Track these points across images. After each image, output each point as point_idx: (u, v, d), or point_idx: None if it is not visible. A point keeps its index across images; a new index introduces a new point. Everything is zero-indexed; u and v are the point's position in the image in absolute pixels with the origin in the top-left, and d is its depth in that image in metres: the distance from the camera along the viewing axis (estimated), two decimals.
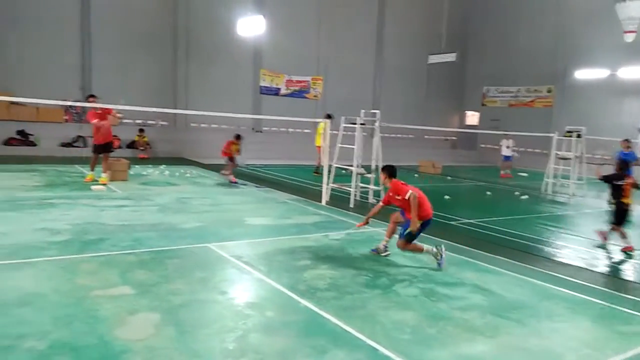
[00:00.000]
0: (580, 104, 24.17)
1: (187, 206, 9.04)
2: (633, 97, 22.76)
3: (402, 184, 6.34)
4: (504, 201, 13.19)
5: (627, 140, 13.18)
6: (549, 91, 26.08)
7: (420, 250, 6.21)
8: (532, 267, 6.38)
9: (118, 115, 11.03)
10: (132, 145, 18.02)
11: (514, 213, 11.09)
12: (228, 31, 19.90)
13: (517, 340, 4.12)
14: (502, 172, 19.74)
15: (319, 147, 12.82)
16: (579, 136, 14.83)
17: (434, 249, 6.11)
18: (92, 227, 6.95)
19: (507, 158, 19.95)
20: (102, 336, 3.67)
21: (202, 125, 20.56)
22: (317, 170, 13.80)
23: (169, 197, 9.84)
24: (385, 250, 6.48)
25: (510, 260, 6.59)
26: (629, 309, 5.03)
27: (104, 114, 10.63)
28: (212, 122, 20.58)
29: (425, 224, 6.20)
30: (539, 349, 3.99)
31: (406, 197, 6.05)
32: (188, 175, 13.60)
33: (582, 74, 24.06)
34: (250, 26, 18.47)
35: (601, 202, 13.48)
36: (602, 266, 6.82)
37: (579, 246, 7.98)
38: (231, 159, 12.64)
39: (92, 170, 10.98)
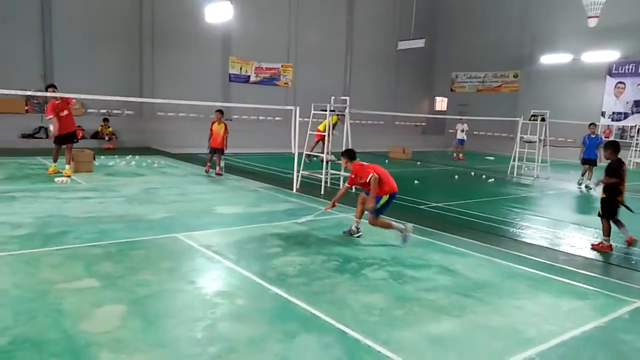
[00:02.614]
0: (545, 89, 24.73)
1: (154, 197, 8.90)
2: (595, 81, 23.40)
3: (362, 166, 6.60)
4: (471, 184, 13.44)
5: (593, 124, 13.48)
6: (515, 76, 26.58)
7: (389, 226, 6.52)
8: (496, 247, 6.55)
9: (76, 106, 10.57)
10: (96, 135, 17.58)
11: (481, 196, 11.33)
12: (195, 18, 19.49)
13: (481, 319, 4.24)
14: (454, 154, 20.24)
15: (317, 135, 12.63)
16: (543, 120, 15.22)
17: (402, 225, 6.45)
18: (55, 219, 6.77)
19: (461, 142, 20.56)
20: (66, 330, 3.60)
21: (170, 114, 20.18)
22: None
23: (135, 187, 9.66)
24: (358, 232, 6.75)
25: (476, 242, 6.75)
26: (586, 285, 5.22)
27: (63, 103, 10.30)
28: (180, 111, 20.22)
29: (391, 198, 6.54)
30: (501, 325, 4.11)
31: (367, 181, 6.36)
32: (155, 165, 13.37)
33: (547, 59, 24.56)
34: (218, 13, 18.12)
35: (564, 183, 13.93)
36: (563, 245, 7.06)
37: (541, 226, 8.22)
38: (219, 149, 11.88)
39: (55, 161, 10.67)
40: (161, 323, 3.82)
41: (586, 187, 13.01)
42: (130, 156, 14.52)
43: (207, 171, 12.09)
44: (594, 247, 6.78)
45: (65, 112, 10.32)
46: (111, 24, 18.74)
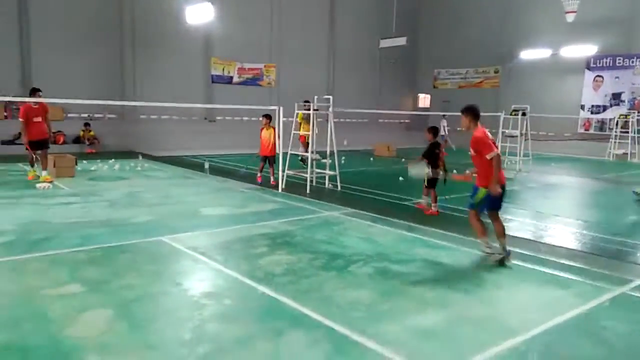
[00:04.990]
0: (525, 84, 25.08)
1: (138, 200, 8.84)
2: (574, 75, 23.81)
3: (486, 135, 5.50)
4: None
5: None
6: (496, 72, 26.92)
7: (480, 234, 5.67)
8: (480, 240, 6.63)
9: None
10: (77, 140, 17.36)
11: (464, 191, 11.41)
12: (176, 19, 19.36)
13: (466, 310, 4.30)
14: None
15: (302, 136, 12.44)
16: (524, 114, 15.43)
17: (489, 249, 5.59)
18: (38, 226, 6.70)
19: (442, 137, 21.09)
20: (52, 336, 3.58)
21: (152, 116, 20.00)
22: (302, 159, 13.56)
23: (119, 191, 9.58)
24: (495, 254, 5.56)
25: (460, 236, 6.83)
26: (568, 274, 5.33)
27: (40, 109, 10.14)
28: (163, 113, 20.06)
29: (492, 196, 5.46)
30: (486, 316, 4.18)
31: (488, 157, 5.37)
32: (139, 168, 13.26)
33: (527, 54, 24.90)
34: (199, 14, 18.03)
35: (546, 176, 14.15)
36: (545, 237, 7.18)
37: (524, 219, 8.36)
38: (270, 158, 11.00)
39: (33, 166, 10.49)
40: (148, 326, 3.82)
41: None
42: (113, 160, 14.38)
43: (259, 181, 11.19)
44: (425, 213, 8.34)
45: (39, 119, 10.12)
46: (91, 26, 18.52)
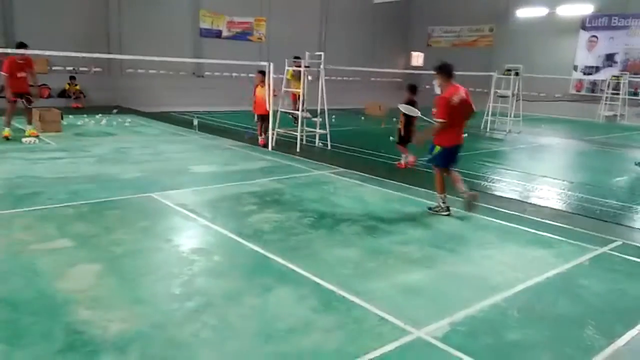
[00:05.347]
0: (519, 43, 24.70)
1: (126, 156, 8.75)
2: (568, 35, 23.49)
3: (448, 97, 5.77)
4: None
5: None
6: (490, 30, 26.47)
7: (439, 190, 6.03)
8: None
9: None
10: (63, 94, 16.97)
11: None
12: None
13: (451, 268, 4.40)
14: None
15: (293, 93, 11.97)
16: (517, 74, 15.31)
17: (443, 205, 5.99)
18: (26, 180, 6.64)
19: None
20: (42, 290, 3.61)
21: (139, 70, 19.48)
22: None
23: (106, 147, 9.47)
24: (446, 210, 5.98)
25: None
26: (552, 234, 5.44)
27: (25, 64, 9.78)
28: (150, 68, 19.52)
29: (446, 151, 5.95)
30: (470, 274, 4.28)
31: (438, 121, 5.80)
32: (127, 124, 13.05)
33: (523, 13, 24.45)
34: None
35: (535, 137, 14.21)
36: (531, 197, 7.28)
37: (511, 179, 8.45)
38: (264, 117, 10.38)
39: (8, 125, 9.82)
40: (138, 280, 3.86)
41: None
42: (99, 115, 14.13)
43: (262, 145, 10.52)
44: (398, 166, 8.90)
45: (23, 74, 9.78)
46: None
